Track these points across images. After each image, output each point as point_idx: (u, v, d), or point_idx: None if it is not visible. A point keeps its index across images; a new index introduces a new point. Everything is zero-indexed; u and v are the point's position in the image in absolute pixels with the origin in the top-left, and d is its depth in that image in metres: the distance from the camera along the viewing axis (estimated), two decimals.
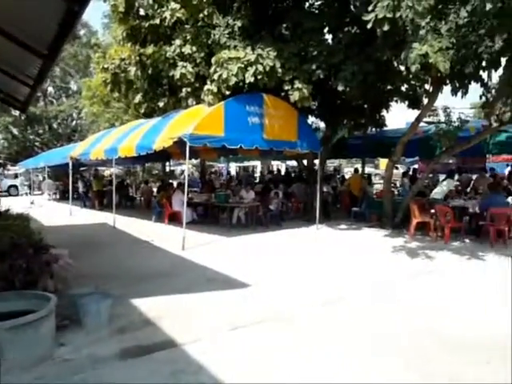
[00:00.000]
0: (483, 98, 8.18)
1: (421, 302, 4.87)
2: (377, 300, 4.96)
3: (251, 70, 7.67)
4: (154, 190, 15.98)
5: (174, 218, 10.64)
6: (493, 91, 7.73)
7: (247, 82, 7.88)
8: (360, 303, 4.84)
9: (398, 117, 18.73)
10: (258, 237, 9.13)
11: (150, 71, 9.41)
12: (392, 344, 3.72)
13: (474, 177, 12.92)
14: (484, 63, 5.59)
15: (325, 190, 12.47)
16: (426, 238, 8.68)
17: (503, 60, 5.95)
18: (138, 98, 10.64)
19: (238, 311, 4.51)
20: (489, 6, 4.51)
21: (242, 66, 7.72)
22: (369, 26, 5.70)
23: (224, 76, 7.81)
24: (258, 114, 8.81)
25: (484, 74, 7.06)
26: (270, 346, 3.68)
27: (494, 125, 8.07)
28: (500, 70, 5.96)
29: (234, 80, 7.77)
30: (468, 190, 11.27)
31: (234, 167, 32.04)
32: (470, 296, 5.12)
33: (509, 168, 18.84)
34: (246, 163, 30.82)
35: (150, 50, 9.14)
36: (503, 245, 7.70)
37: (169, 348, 3.61)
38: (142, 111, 11.55)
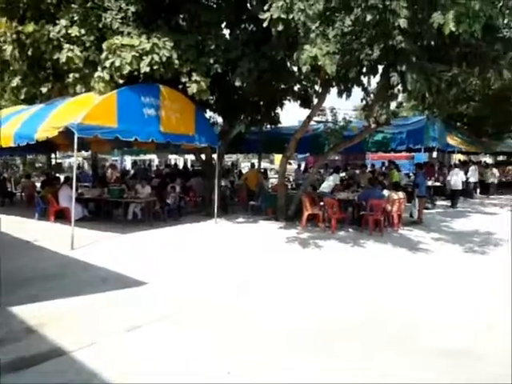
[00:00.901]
0: (364, 101, 9.12)
1: (310, 289, 5.26)
2: (271, 289, 5.20)
3: (146, 59, 7.36)
4: (38, 184, 14.41)
5: (62, 216, 9.74)
6: (372, 95, 8.67)
7: (142, 71, 7.55)
8: (256, 295, 5.03)
9: (292, 115, 19.80)
10: (155, 232, 8.86)
11: (29, 52, 8.41)
12: (283, 335, 3.94)
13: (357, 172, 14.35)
14: (364, 69, 6.22)
15: (223, 184, 12.63)
16: (316, 228, 9.34)
17: (380, 67, 6.67)
18: (16, 81, 9.44)
19: (133, 311, 4.33)
20: (369, 17, 5.03)
21: (137, 54, 7.37)
22: (264, 24, 5.90)
23: (117, 64, 7.36)
24: (154, 105, 8.51)
25: (365, 79, 7.86)
26: (168, 344, 3.61)
27: (372, 126, 9.04)
28: (378, 77, 6.69)
29: (127, 69, 7.37)
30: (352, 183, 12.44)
31: (129, 160, 30.53)
32: (352, 279, 5.68)
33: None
34: (142, 156, 29.60)
35: (29, 27, 8.15)
36: (379, 233, 8.67)
37: (56, 357, 3.31)
38: (22, 97, 10.28)
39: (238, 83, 7.89)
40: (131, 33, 7.99)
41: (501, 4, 6.38)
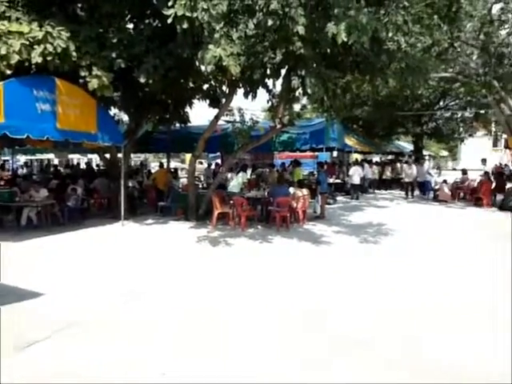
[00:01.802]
0: (269, 103, 9.48)
1: (215, 287, 5.34)
2: (179, 292, 5.16)
3: (38, 48, 6.74)
4: None
5: None
6: (277, 97, 9.05)
7: (34, 62, 6.90)
8: (162, 296, 4.95)
9: (203, 114, 19.71)
10: (53, 238, 8.17)
11: None
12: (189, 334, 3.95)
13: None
14: (268, 72, 6.48)
15: (130, 184, 12.11)
16: (226, 227, 9.46)
17: (284, 71, 7.00)
18: None
19: (28, 326, 3.96)
20: (270, 22, 5.27)
21: (27, 42, 6.71)
22: (169, 21, 5.81)
23: (3, 52, 6.62)
24: (50, 100, 7.83)
25: (270, 82, 8.18)
26: (67, 358, 3.39)
27: (278, 126, 9.44)
28: (281, 80, 7.03)
29: (16, 58, 6.67)
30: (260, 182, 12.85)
31: (23, 160, 27.65)
32: (257, 274, 5.89)
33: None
34: (38, 156, 27.05)
35: None
36: (286, 229, 9.10)
37: None
38: None
39: (142, 80, 7.64)
40: (20, 18, 7.26)
41: (386, 20, 7.15)
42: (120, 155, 10.61)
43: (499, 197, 13.54)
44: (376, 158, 27.18)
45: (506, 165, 25.62)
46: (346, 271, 6.08)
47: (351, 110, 19.72)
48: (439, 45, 11.85)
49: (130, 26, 9.09)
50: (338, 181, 16.66)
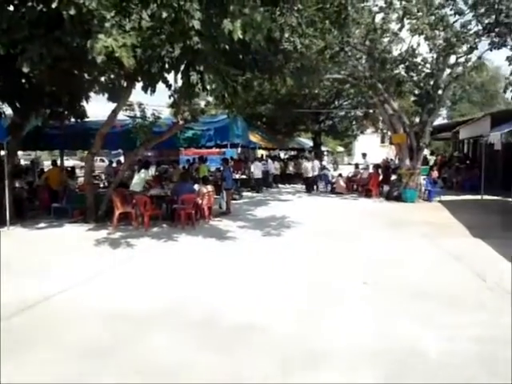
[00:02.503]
0: (171, 98, 9.25)
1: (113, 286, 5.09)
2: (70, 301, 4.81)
3: None
4: None
5: None
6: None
7: None
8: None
9: (105, 109, 18.49)
10: None
11: None
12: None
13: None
14: (167, 66, 6.32)
15: (17, 185, 10.90)
16: (129, 227, 9.04)
17: (183, 65, 6.86)
18: None
19: None
20: (164, 14, 5.14)
21: None
22: (53, 5, 5.32)
23: None
24: None
25: (170, 76, 7.97)
26: None
27: (180, 122, 9.29)
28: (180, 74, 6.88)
29: None
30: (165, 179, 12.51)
31: None
32: (157, 273, 5.76)
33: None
34: None
35: None
36: (192, 226, 9.01)
37: None
38: None
39: (26, 69, 6.88)
40: None
41: (282, 21, 7.46)
42: (3, 153, 9.48)
43: (386, 188, 15.09)
44: (282, 154, 28.36)
45: (391, 159, 28.62)
46: (247, 265, 6.23)
47: (254, 107, 20.28)
48: (331, 48, 12.72)
49: (10, 8, 8.12)
50: (244, 176, 17.01)
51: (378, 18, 13.27)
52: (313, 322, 4.07)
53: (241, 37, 5.21)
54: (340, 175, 17.03)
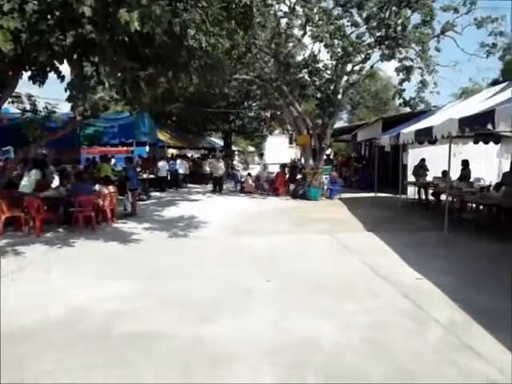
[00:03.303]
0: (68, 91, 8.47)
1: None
2: None
3: None
4: None
5: None
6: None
7: None
8: None
9: None
10: None
11: None
12: None
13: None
14: (57, 55, 5.75)
15: None
16: (18, 233, 8.12)
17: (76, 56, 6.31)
18: None
19: None
20: None
21: None
22: None
23: None
24: None
25: (66, 68, 7.29)
26: None
27: (78, 118, 8.57)
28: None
29: None
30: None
31: None
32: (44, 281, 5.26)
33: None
34: None
35: None
36: (92, 230, 8.40)
37: None
38: None
39: None
40: None
41: (188, 17, 7.29)
42: None
43: (292, 186, 15.75)
44: (192, 153, 28.00)
45: (298, 159, 30.01)
46: (148, 268, 5.99)
47: (163, 104, 19.66)
48: (238, 48, 12.86)
49: None
50: (152, 176, 16.42)
51: (283, 22, 13.77)
52: (215, 323, 4.03)
53: (138, 29, 4.95)
54: (249, 174, 17.34)
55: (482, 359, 3.26)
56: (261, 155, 18.25)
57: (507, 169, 9.42)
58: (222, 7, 8.16)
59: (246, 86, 21.02)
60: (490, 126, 5.53)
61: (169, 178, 18.54)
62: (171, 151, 24.89)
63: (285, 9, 13.54)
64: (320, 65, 14.48)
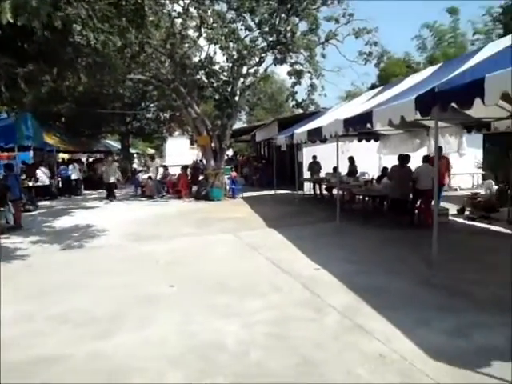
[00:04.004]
0: None
1: None
2: None
3: None
4: None
5: None
6: None
7: None
8: None
9: None
10: None
11: None
12: None
13: None
14: None
15: None
16: None
17: None
18: None
19: None
20: None
21: None
22: None
23: None
24: None
25: None
26: None
27: None
28: None
29: None
30: None
31: None
32: None
33: None
34: None
35: None
36: None
37: None
38: None
39: None
40: None
41: (74, 12, 6.76)
42: None
43: (195, 188, 15.64)
44: (92, 158, 26.15)
45: (200, 160, 29.91)
46: (34, 285, 5.45)
47: (49, 104, 17.97)
48: (131, 47, 12.33)
49: None
50: (39, 184, 14.91)
51: (178, 23, 13.57)
52: (114, 336, 3.82)
53: (11, 20, 4.45)
54: (150, 178, 16.77)
55: (374, 338, 3.62)
56: (152, 158, 17.55)
57: (386, 164, 10.58)
58: (111, 3, 7.76)
59: (141, 86, 20.27)
60: (369, 126, 6.17)
61: (60, 185, 17.08)
62: (62, 156, 22.91)
63: (179, 9, 13.38)
64: (217, 67, 14.61)
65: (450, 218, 9.07)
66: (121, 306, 4.54)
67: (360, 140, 12.72)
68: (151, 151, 45.92)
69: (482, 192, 11.82)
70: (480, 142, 15.16)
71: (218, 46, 13.38)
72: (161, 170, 17.62)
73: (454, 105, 4.29)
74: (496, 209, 9.57)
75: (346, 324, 3.94)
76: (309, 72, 14.38)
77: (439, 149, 6.98)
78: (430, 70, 7.73)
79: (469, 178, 15.20)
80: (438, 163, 6.08)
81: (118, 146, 27.54)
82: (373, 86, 21.99)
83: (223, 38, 13.16)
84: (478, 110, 6.96)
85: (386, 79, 21.20)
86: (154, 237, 8.34)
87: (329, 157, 12.46)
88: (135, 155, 30.55)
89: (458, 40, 24.29)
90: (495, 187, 11.76)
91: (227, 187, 15.25)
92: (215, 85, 14.60)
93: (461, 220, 9.14)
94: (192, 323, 4.06)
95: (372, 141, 12.66)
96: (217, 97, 14.68)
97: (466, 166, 14.59)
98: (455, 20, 24.18)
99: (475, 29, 23.55)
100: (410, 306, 4.26)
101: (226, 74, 14.55)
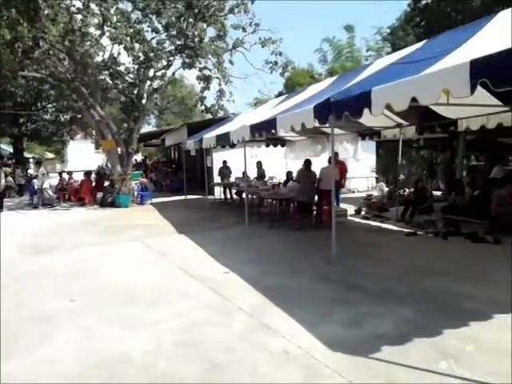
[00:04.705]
0: None
1: None
2: None
3: None
4: None
5: None
6: None
7: None
8: None
9: None
10: None
11: None
12: None
13: None
14: None
15: None
16: None
17: None
18: None
19: None
20: None
21: None
22: None
23: None
24: None
25: None
26: None
27: None
28: None
29: None
30: None
31: None
32: None
33: None
34: None
35: None
36: None
37: None
38: None
39: None
40: None
41: None
42: None
43: (99, 194, 14.74)
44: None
45: (106, 165, 28.30)
46: None
47: None
48: (24, 42, 11.26)
49: None
50: None
51: (78, 19, 12.71)
52: (3, 364, 3.44)
53: None
54: (49, 185, 15.37)
55: (279, 335, 3.76)
56: (38, 163, 16.00)
57: (292, 168, 11.10)
58: None
59: (36, 84, 18.56)
60: (273, 131, 6.44)
61: None
62: None
63: (78, 4, 12.54)
64: (122, 68, 14.02)
65: (349, 218, 9.85)
66: (12, 329, 4.09)
67: (268, 145, 13.19)
68: (50, 155, 42.25)
69: (376, 193, 13.04)
70: (373, 149, 16.75)
71: (122, 47, 12.83)
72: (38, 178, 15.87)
73: (347, 114, 4.68)
74: (387, 208, 10.64)
75: (254, 324, 4.04)
76: (217, 78, 14.52)
77: (335, 154, 7.54)
78: (329, 81, 8.35)
79: (365, 181, 16.64)
80: (336, 167, 6.56)
81: (9, 149, 24.84)
82: (280, 94, 22.99)
83: (128, 38, 12.67)
84: (370, 119, 7.70)
85: (291, 88, 22.33)
86: (55, 248, 7.67)
87: (239, 161, 12.73)
88: (31, 160, 27.80)
89: (355, 55, 26.60)
90: (386, 189, 13.07)
91: (135, 193, 14.66)
92: (120, 86, 13.98)
93: (358, 219, 9.97)
94: (94, 338, 3.81)
95: (279, 146, 13.21)
96: (122, 99, 14.06)
97: (362, 170, 15.99)
98: (351, 37, 26.46)
99: (368, 46, 26.06)
100: (313, 302, 4.52)
101: (132, 75, 14.02)
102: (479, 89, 3.76)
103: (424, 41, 6.25)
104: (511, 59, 2.92)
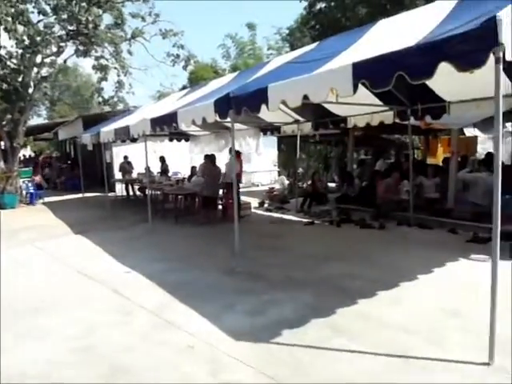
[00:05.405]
0: None
1: None
2: None
3: None
4: None
5: None
6: None
7: None
8: None
9: None
10: None
11: None
12: None
13: None
14: None
15: None
16: None
17: None
18: None
19: None
20: None
21: None
22: None
23: None
24: None
25: None
26: None
27: None
28: None
29: None
30: None
31: None
32: None
33: None
34: None
35: None
36: None
37: None
38: None
39: None
40: None
41: None
42: None
43: None
44: None
45: None
46: None
47: None
48: None
49: None
50: None
51: None
52: None
53: None
54: None
55: (183, 331, 3.74)
56: None
57: (197, 163, 11.03)
58: None
59: None
60: (174, 125, 6.32)
61: None
62: None
63: None
64: (3, 51, 12.45)
65: (253, 210, 10.14)
66: None
67: (171, 140, 12.90)
68: None
69: (278, 186, 13.62)
70: (275, 144, 17.44)
71: (2, 27, 11.41)
72: None
73: (246, 109, 4.79)
74: (288, 200, 11.20)
75: (156, 322, 3.96)
76: (115, 68, 13.74)
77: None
78: (230, 76, 8.44)
79: (267, 174, 17.26)
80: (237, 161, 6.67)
81: None
82: (184, 87, 22.60)
83: (10, 18, 11.31)
84: (270, 115, 7.99)
85: (195, 82, 22.09)
86: None
87: (141, 156, 12.23)
88: None
89: (256, 52, 27.29)
90: (287, 182, 13.73)
91: (23, 192, 13.23)
92: (1, 73, 12.43)
93: (261, 212, 10.32)
94: None
95: (183, 141, 13.00)
96: (4, 87, 12.52)
97: (265, 165, 16.56)
98: (253, 35, 27.09)
99: (269, 45, 26.93)
100: (217, 295, 4.58)
101: (15, 60, 12.54)
102: (364, 89, 4.17)
103: (317, 43, 6.66)
104: (382, 64, 3.27)
